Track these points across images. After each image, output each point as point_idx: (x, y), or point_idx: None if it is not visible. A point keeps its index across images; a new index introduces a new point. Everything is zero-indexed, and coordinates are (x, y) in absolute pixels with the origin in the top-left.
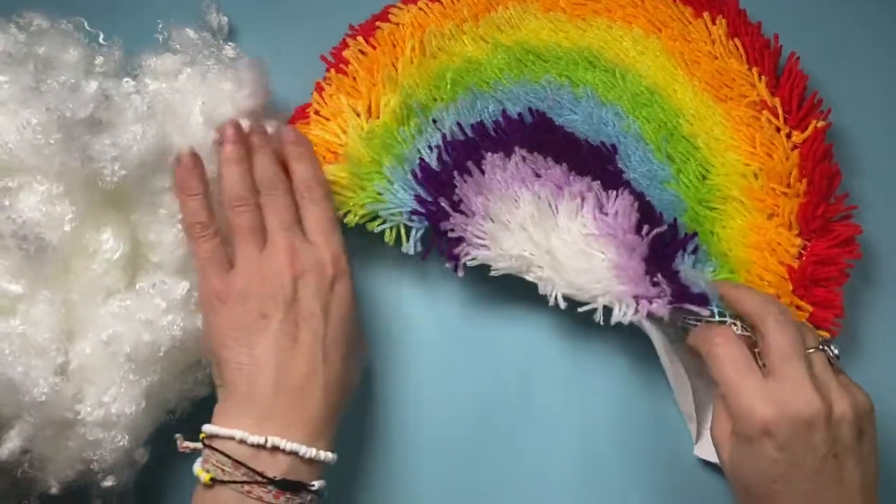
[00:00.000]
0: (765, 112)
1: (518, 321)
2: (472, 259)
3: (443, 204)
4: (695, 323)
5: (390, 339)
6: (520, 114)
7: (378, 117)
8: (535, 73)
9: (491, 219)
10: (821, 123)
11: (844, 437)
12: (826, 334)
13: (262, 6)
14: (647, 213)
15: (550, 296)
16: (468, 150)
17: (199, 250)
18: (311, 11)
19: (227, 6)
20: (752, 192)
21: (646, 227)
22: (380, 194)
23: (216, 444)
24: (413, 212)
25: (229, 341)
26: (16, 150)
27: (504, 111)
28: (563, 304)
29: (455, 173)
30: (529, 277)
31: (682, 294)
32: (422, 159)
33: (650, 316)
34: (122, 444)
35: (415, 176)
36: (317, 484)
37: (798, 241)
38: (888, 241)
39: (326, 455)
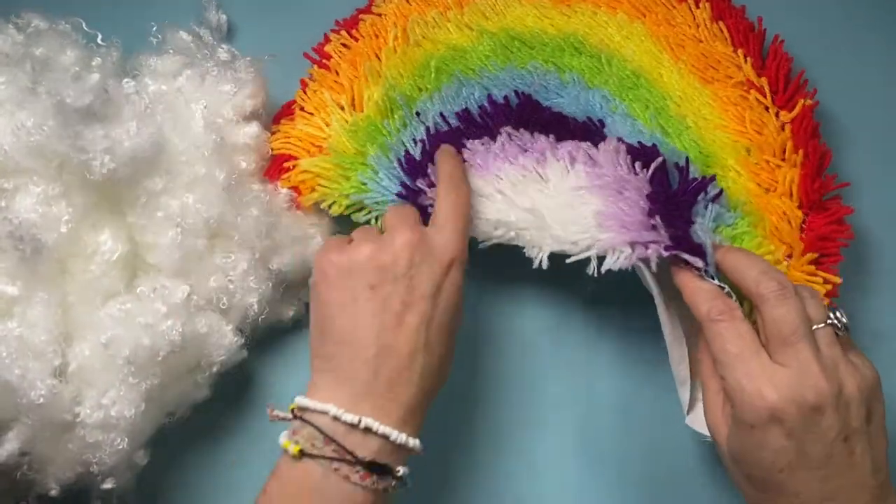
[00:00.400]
0: (752, 92)
1: (518, 319)
2: None
3: (420, 185)
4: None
5: None
6: (506, 97)
7: (362, 110)
8: (520, 60)
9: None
10: (808, 102)
11: (853, 419)
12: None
13: (262, 4)
14: (641, 153)
15: (536, 258)
16: (450, 139)
17: None
18: (309, 8)
19: (227, 4)
20: (746, 166)
21: (639, 164)
22: (364, 184)
23: (308, 416)
24: (398, 195)
25: (335, 311)
26: (11, 151)
27: (490, 96)
28: (545, 265)
29: (429, 164)
30: (516, 242)
31: (681, 241)
32: (407, 151)
33: (647, 263)
34: (121, 446)
35: (400, 165)
36: (402, 470)
37: (799, 212)
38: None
39: (415, 442)
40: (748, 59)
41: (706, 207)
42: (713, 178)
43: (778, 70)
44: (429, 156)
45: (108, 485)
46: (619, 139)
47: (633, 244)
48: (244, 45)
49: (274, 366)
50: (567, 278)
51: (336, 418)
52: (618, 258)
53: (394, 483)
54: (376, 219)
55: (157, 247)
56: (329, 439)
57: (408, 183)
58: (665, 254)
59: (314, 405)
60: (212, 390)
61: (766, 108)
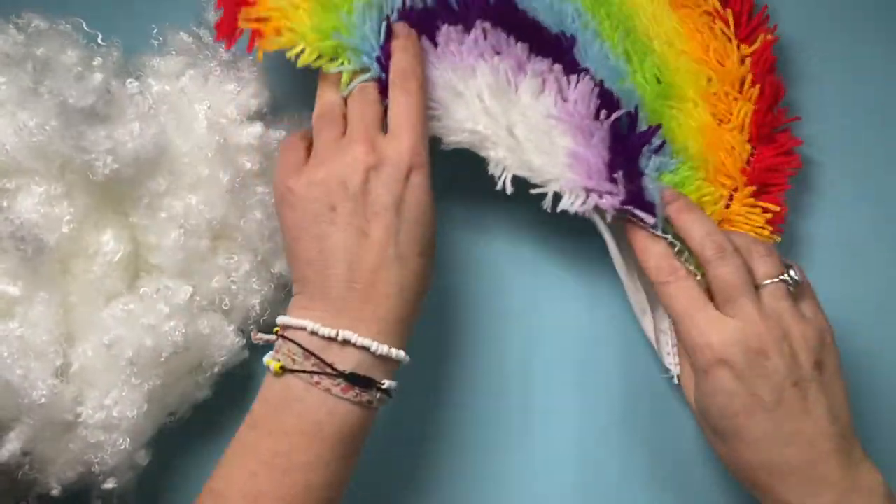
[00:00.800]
0: (718, 22)
1: (519, 315)
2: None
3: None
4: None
5: None
6: None
7: None
8: None
9: (442, 88)
10: (769, 37)
11: (802, 365)
12: (777, 238)
13: None
14: (607, 100)
15: (499, 178)
16: (424, 19)
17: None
18: None
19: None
20: (706, 96)
21: (604, 112)
22: (346, 26)
23: (289, 333)
24: (378, 59)
25: (300, 234)
26: (13, 151)
27: None
28: (510, 189)
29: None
30: (483, 154)
31: (635, 198)
32: (388, 16)
33: (602, 215)
34: (123, 446)
35: (387, 24)
36: (387, 382)
37: (748, 146)
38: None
39: (398, 353)
40: None
41: (649, 158)
42: (658, 127)
43: (742, 3)
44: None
45: (109, 485)
46: (593, 80)
47: (590, 191)
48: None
49: None
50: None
51: (314, 332)
52: (574, 201)
53: (378, 395)
54: (350, 74)
55: (159, 248)
56: (308, 353)
57: (383, 58)
58: (619, 207)
59: (292, 321)
60: (213, 391)
61: (730, 40)
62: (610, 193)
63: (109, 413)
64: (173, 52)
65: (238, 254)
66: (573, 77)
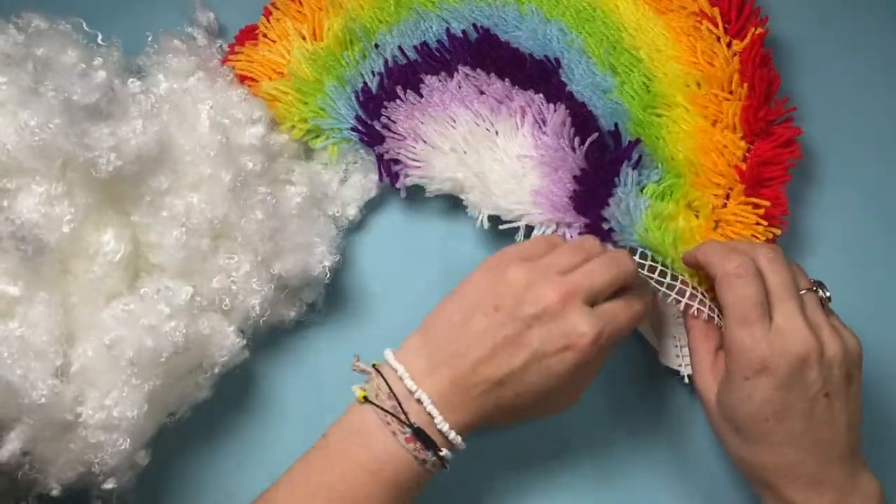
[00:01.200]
0: (705, 22)
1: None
2: (409, 179)
3: (377, 127)
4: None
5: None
6: (464, 31)
7: (322, 40)
8: None
9: (423, 140)
10: (759, 31)
11: (835, 377)
12: (777, 231)
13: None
14: (584, 124)
15: (477, 219)
16: (408, 74)
17: None
18: None
19: (215, 4)
20: (695, 100)
21: (577, 140)
22: (322, 109)
23: (384, 370)
24: (353, 129)
25: (460, 301)
26: (14, 151)
27: (448, 30)
28: (486, 225)
29: (384, 102)
30: (462, 197)
31: (592, 229)
32: (365, 83)
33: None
34: (123, 447)
35: (356, 97)
36: (444, 451)
37: (743, 143)
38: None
39: (456, 438)
40: None
41: (628, 174)
42: (637, 142)
43: (731, 0)
44: (385, 91)
45: (109, 485)
46: (567, 109)
47: (557, 223)
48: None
49: (275, 366)
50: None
51: (401, 378)
52: (543, 232)
53: (434, 459)
54: (334, 147)
55: (160, 247)
56: (392, 395)
57: (364, 118)
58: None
59: (391, 360)
60: (213, 391)
61: (718, 39)
62: (568, 225)
63: (110, 413)
64: (185, 52)
65: (238, 254)
66: (551, 106)
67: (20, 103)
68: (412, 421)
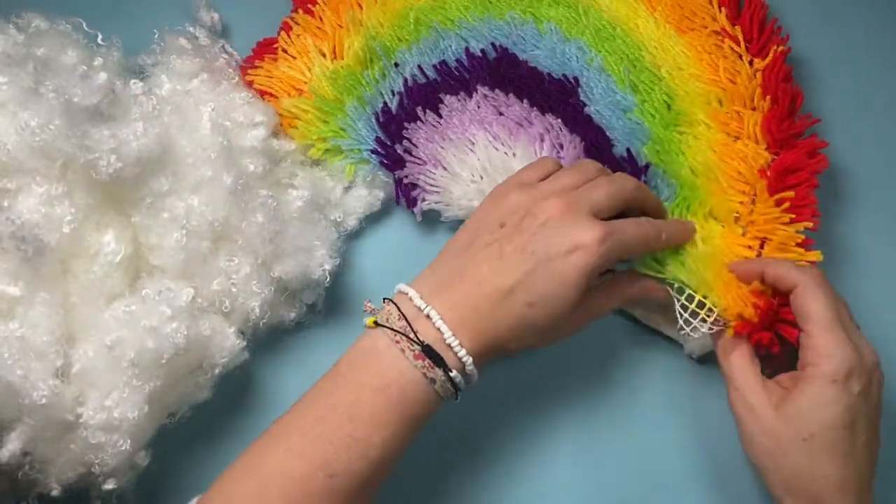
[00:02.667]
0: (727, 41)
1: None
2: (426, 203)
3: (398, 151)
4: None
5: None
6: (483, 50)
7: (343, 58)
8: (499, 10)
9: (443, 167)
10: (780, 48)
11: (877, 385)
12: (809, 224)
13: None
14: (598, 153)
15: None
16: (427, 93)
17: None
18: None
19: (217, 3)
20: (717, 117)
21: None
22: (342, 129)
23: (396, 298)
24: (373, 151)
25: (469, 224)
26: (14, 151)
27: (467, 48)
28: None
29: (405, 123)
30: None
31: None
32: (385, 103)
33: None
34: (123, 447)
35: (376, 118)
36: (455, 372)
37: (766, 153)
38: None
39: (467, 358)
40: (722, 8)
41: None
42: (647, 167)
43: (752, 18)
44: (405, 111)
45: (109, 485)
46: (583, 141)
47: None
48: (240, 41)
49: (275, 367)
50: None
51: (412, 300)
52: None
53: (443, 378)
54: (352, 166)
55: (161, 248)
56: (402, 316)
57: (384, 140)
58: None
59: (403, 287)
60: (213, 391)
61: (740, 57)
62: None
63: (110, 414)
64: (190, 52)
65: (239, 256)
66: (567, 134)
67: (21, 104)
68: (421, 339)
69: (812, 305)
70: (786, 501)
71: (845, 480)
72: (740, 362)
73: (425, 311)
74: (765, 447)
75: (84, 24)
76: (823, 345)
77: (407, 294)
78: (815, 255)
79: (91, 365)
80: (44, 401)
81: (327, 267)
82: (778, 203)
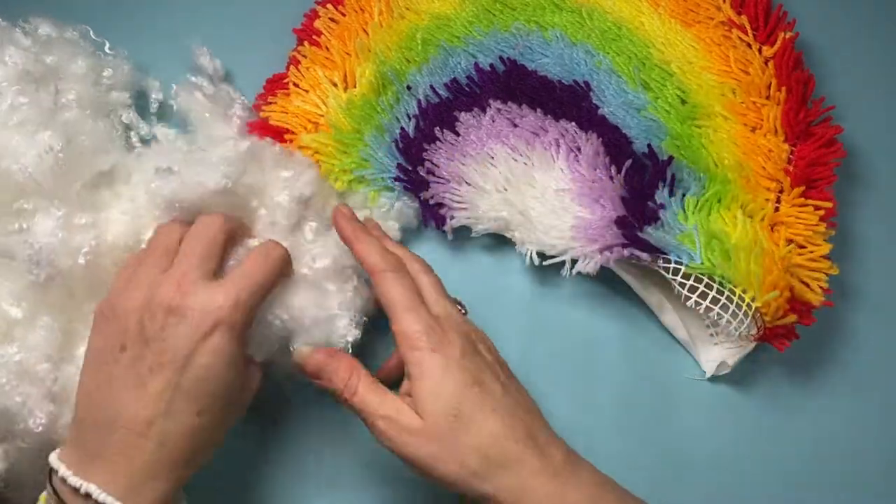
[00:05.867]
0: (734, 30)
1: (518, 314)
2: (455, 220)
3: (421, 173)
4: (664, 266)
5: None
6: (492, 64)
7: (355, 86)
8: (504, 22)
9: (467, 182)
10: (788, 34)
11: (482, 342)
12: (832, 232)
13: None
14: (618, 151)
15: (525, 256)
16: (442, 113)
17: None
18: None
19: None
20: (733, 108)
21: (613, 169)
22: (365, 160)
23: (52, 478)
24: (396, 178)
25: (88, 364)
26: (35, 173)
27: (476, 64)
28: (536, 262)
29: (424, 145)
30: (509, 235)
31: (644, 247)
32: (402, 128)
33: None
34: None
35: (396, 145)
36: None
37: (786, 146)
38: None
39: None
40: None
41: (664, 189)
42: (670, 160)
43: (757, 6)
44: (423, 133)
45: None
46: (599, 137)
47: (601, 249)
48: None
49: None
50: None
51: (64, 479)
52: (588, 263)
53: None
54: (376, 192)
55: None
56: (60, 501)
57: (406, 166)
58: (626, 253)
59: (52, 462)
60: None
61: (749, 46)
62: (610, 251)
63: None
64: (220, 117)
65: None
66: (584, 135)
67: (40, 124)
68: None
69: (391, 293)
70: (483, 486)
71: (511, 428)
72: (371, 394)
73: (83, 491)
74: (433, 452)
75: (91, 32)
76: (407, 325)
77: (58, 472)
78: (832, 269)
79: (73, 385)
80: (41, 428)
81: (350, 339)
82: (815, 207)
